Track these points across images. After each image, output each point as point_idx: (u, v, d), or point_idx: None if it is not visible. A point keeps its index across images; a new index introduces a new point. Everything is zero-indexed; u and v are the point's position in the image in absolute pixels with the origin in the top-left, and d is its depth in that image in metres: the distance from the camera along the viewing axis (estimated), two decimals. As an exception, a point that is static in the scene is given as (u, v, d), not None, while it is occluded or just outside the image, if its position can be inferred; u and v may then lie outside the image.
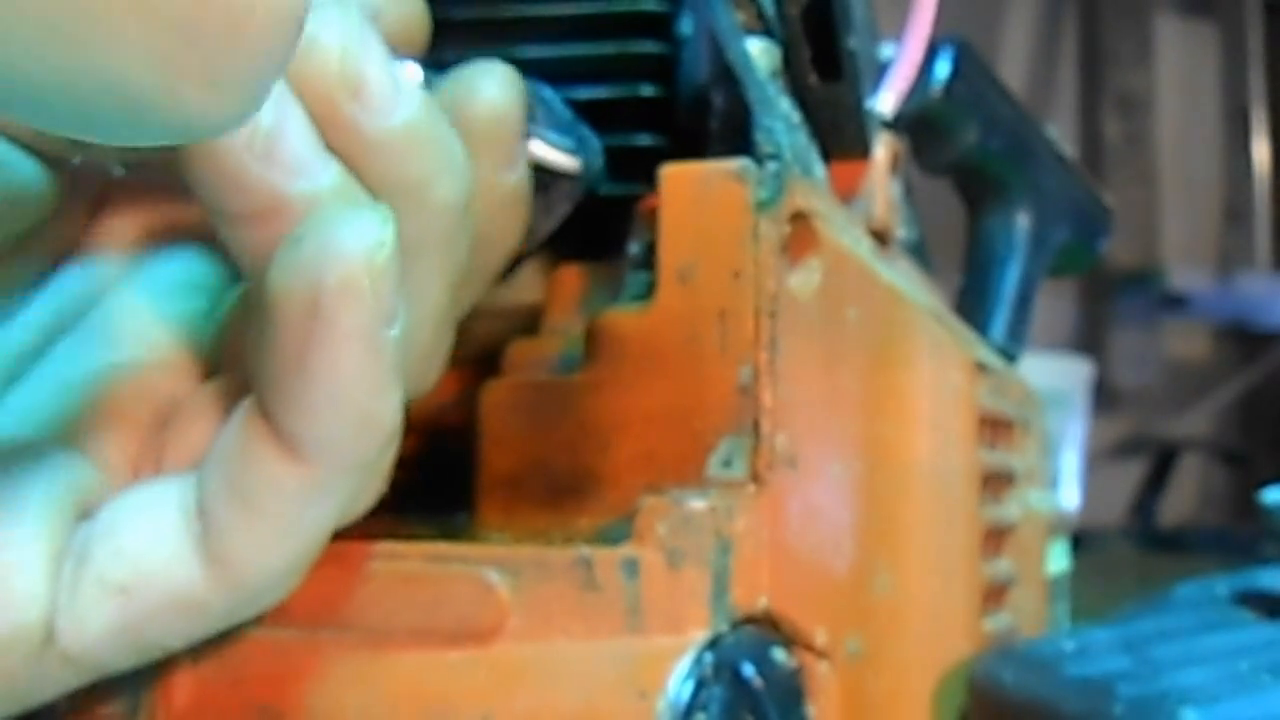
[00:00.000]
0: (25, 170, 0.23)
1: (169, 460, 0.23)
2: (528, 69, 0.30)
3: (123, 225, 0.25)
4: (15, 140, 0.23)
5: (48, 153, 0.23)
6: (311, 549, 0.22)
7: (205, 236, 0.25)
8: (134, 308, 0.25)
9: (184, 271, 0.25)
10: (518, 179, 0.25)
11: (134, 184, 0.26)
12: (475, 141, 0.24)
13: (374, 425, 0.21)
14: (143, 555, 0.21)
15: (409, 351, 0.23)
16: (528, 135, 0.26)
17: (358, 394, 0.20)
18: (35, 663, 0.21)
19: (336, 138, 0.21)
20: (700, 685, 0.22)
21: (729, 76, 0.29)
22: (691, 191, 0.26)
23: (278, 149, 0.20)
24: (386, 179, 0.21)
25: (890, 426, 0.32)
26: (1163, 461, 1.52)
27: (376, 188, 0.21)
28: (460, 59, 0.29)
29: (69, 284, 0.25)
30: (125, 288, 0.25)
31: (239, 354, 0.24)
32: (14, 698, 0.22)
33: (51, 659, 0.21)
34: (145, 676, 0.25)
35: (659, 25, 0.31)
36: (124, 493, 0.22)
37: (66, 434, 0.23)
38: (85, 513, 0.22)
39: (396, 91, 0.21)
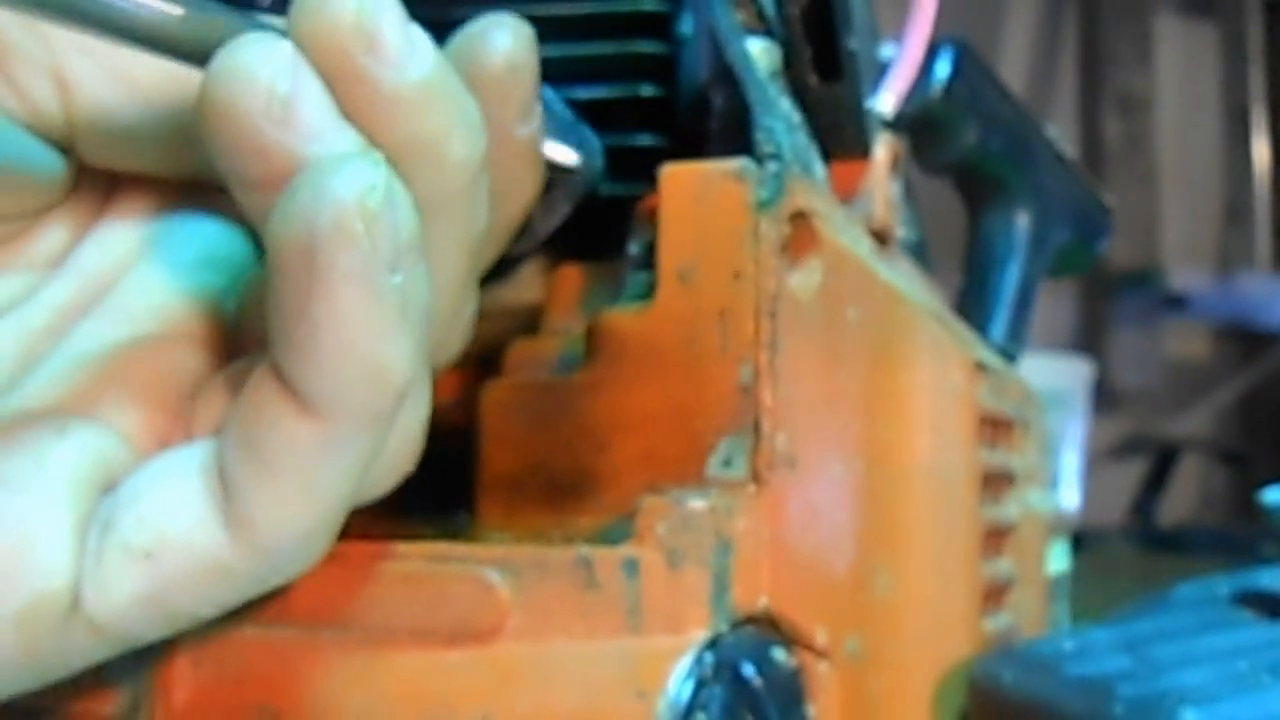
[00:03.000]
0: (35, 153, 0.23)
1: (196, 436, 0.23)
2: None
3: (139, 203, 0.25)
4: (23, 124, 0.23)
5: (56, 141, 0.23)
6: (332, 511, 0.22)
7: (222, 211, 0.25)
8: (155, 286, 0.25)
9: (203, 248, 0.25)
10: (532, 130, 0.25)
11: None
12: (489, 94, 0.24)
13: (383, 373, 0.21)
14: (166, 520, 0.21)
15: (431, 316, 0.23)
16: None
17: (362, 340, 0.20)
18: (61, 632, 0.21)
19: (351, 94, 0.21)
20: (700, 685, 0.22)
21: (729, 76, 0.29)
22: (691, 191, 0.26)
23: (294, 114, 0.20)
24: (401, 136, 0.21)
25: (890, 426, 0.32)
26: (1163, 461, 1.52)
27: (391, 146, 0.21)
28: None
29: (87, 263, 0.25)
30: (145, 266, 0.25)
31: (261, 329, 0.24)
32: (40, 669, 0.22)
33: (77, 628, 0.21)
34: (145, 676, 0.25)
35: (659, 25, 0.31)
36: (147, 461, 0.22)
37: (91, 410, 0.23)
38: (111, 485, 0.22)
39: (411, 47, 0.21)
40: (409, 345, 0.21)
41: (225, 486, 0.21)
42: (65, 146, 0.24)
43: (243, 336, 0.25)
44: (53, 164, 0.24)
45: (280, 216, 0.20)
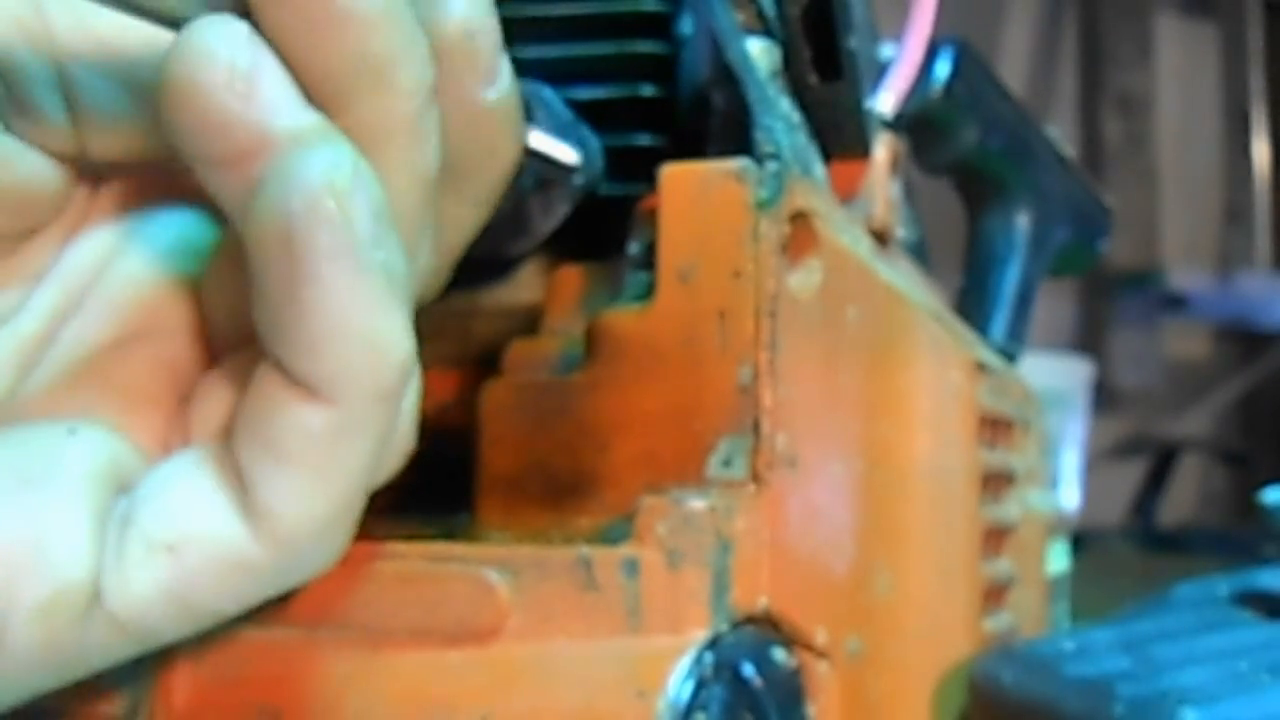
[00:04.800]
0: (37, 170, 0.23)
1: (196, 438, 0.23)
2: (528, 69, 0.30)
3: (117, 201, 0.26)
4: (31, 141, 0.23)
5: (62, 153, 0.24)
6: (351, 497, 0.22)
7: (196, 200, 0.26)
8: (134, 279, 0.25)
9: (176, 237, 0.26)
10: (500, 95, 0.25)
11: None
12: (451, 60, 0.24)
13: (382, 347, 0.21)
14: (187, 514, 0.22)
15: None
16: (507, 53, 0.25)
17: (355, 316, 0.20)
18: (82, 627, 0.21)
19: (300, 13, 0.20)
20: (700, 685, 0.22)
21: (729, 76, 0.29)
22: (691, 191, 0.26)
23: (257, 89, 0.20)
24: (351, 57, 0.21)
25: (890, 426, 0.32)
26: (1163, 461, 1.52)
27: (341, 67, 0.21)
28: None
29: (74, 263, 0.25)
30: (123, 260, 0.25)
31: (224, 309, 0.24)
32: (61, 667, 0.22)
33: (99, 623, 0.21)
34: (145, 676, 0.25)
35: (659, 25, 0.31)
36: (161, 463, 0.23)
37: (90, 415, 0.23)
38: (124, 486, 0.22)
39: None
40: (404, 318, 0.21)
41: (242, 481, 0.22)
42: (71, 155, 0.24)
43: (213, 320, 0.25)
44: (52, 181, 0.24)
45: (254, 212, 0.20)
